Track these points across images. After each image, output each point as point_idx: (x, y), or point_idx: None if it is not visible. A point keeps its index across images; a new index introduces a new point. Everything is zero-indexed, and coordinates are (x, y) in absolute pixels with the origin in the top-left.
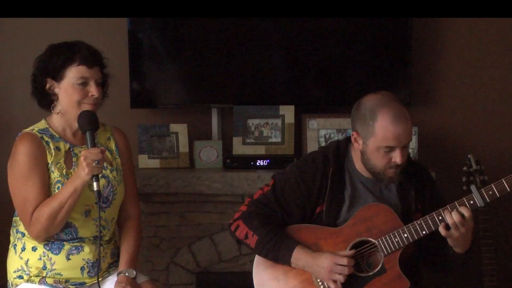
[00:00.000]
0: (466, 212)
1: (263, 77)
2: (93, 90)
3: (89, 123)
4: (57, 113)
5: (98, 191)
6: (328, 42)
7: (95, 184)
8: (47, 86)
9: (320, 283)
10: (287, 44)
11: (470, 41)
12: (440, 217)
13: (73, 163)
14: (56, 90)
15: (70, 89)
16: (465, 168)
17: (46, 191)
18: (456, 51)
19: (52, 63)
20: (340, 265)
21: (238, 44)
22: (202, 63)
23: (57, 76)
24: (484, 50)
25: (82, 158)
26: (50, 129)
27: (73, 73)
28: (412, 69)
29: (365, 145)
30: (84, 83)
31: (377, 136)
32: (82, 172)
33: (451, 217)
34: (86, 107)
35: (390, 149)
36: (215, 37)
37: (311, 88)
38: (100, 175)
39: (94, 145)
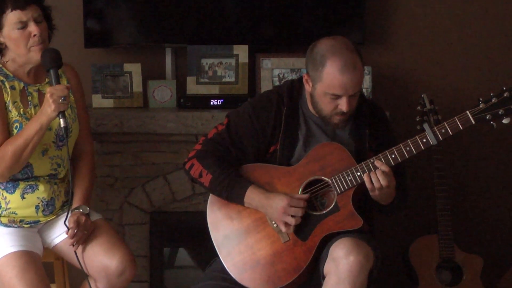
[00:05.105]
0: (385, 169)
1: (217, 17)
2: (33, 29)
3: (53, 60)
4: (7, 61)
5: (66, 127)
6: None
7: (61, 120)
8: None
9: (273, 223)
10: None
11: None
12: (393, 156)
13: (29, 102)
14: (1, 39)
15: (12, 35)
16: (419, 107)
17: (7, 130)
18: None
19: None
20: (294, 206)
21: None
22: (156, 1)
23: None
24: None
25: (48, 95)
26: (3, 68)
27: (9, 20)
28: (365, 8)
29: (314, 88)
30: (23, 27)
31: (324, 83)
32: (48, 109)
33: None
34: (35, 49)
35: (337, 97)
36: None
37: (264, 27)
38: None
39: (58, 82)
